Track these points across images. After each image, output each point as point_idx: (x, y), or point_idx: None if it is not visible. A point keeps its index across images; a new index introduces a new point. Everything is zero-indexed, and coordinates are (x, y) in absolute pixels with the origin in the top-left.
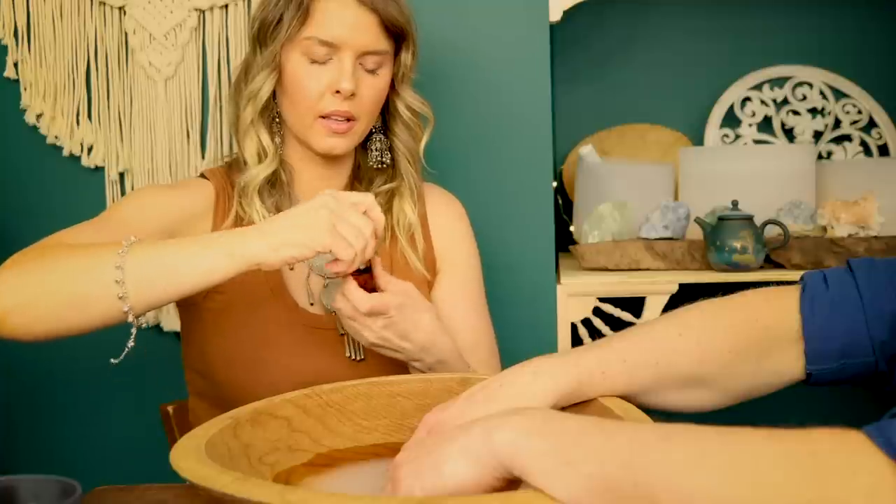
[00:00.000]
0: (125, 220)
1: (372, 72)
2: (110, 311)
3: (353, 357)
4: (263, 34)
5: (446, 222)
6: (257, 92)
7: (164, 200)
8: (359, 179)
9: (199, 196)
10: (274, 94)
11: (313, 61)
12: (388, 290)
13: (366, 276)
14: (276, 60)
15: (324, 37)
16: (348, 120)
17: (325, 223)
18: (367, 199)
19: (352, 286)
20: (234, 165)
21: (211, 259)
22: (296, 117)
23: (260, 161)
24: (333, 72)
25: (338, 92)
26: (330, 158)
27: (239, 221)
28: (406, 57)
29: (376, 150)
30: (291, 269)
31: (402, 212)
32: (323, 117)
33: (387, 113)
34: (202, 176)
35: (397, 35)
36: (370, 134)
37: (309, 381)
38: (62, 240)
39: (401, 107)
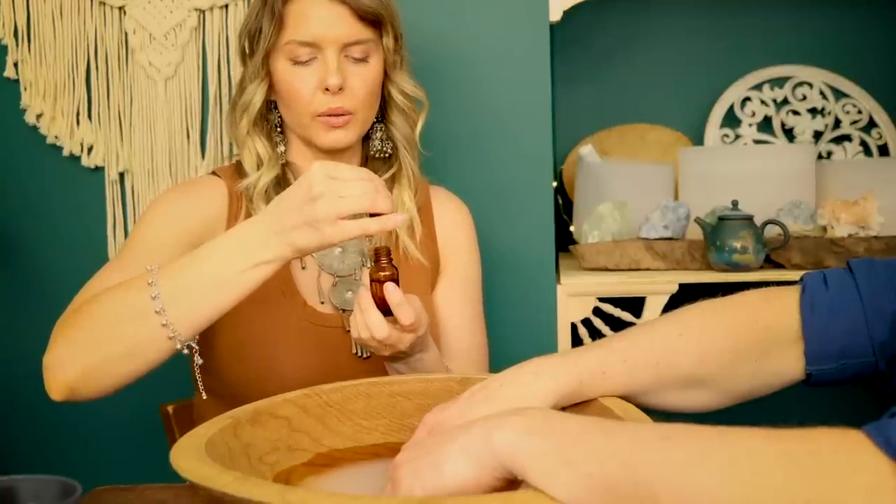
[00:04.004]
0: (148, 251)
1: (360, 62)
2: (165, 350)
3: (360, 355)
4: (249, 47)
5: (453, 227)
6: (249, 102)
7: (180, 215)
8: None
9: (214, 198)
10: (275, 105)
11: (299, 63)
12: (414, 303)
13: (394, 283)
14: (264, 70)
15: (302, 38)
16: (345, 115)
17: (325, 218)
18: (360, 171)
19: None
20: (242, 165)
21: (245, 273)
22: (294, 120)
23: (258, 169)
24: (319, 70)
25: (327, 89)
26: (335, 154)
27: None
28: (388, 41)
29: (377, 139)
30: (303, 267)
31: (401, 201)
32: (320, 116)
33: (383, 101)
34: (214, 173)
35: (374, 22)
36: (372, 124)
37: (316, 379)
38: (93, 291)
39: (395, 92)
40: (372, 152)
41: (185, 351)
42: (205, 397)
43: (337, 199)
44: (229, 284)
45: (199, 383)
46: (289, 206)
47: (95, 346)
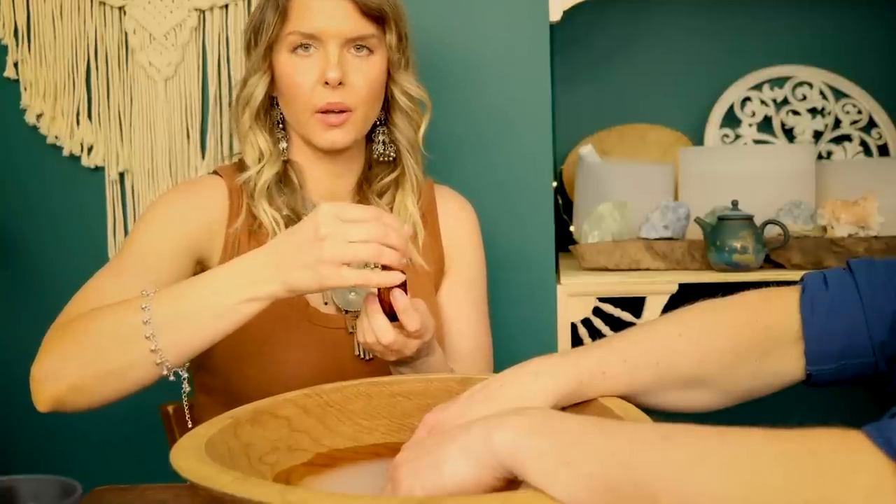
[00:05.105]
0: (143, 258)
1: (363, 58)
2: (152, 374)
3: (363, 356)
4: (253, 40)
5: (458, 226)
6: (251, 95)
7: (179, 218)
8: (367, 177)
9: (214, 198)
10: (277, 101)
11: (300, 57)
12: (420, 308)
13: (400, 289)
14: (267, 62)
15: (304, 30)
16: (344, 112)
17: (327, 263)
18: (371, 212)
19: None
20: (244, 163)
21: (237, 306)
22: (294, 116)
23: (260, 163)
24: (320, 63)
25: (327, 83)
26: (336, 155)
27: (251, 220)
28: (391, 38)
29: (380, 142)
30: None
31: (404, 206)
32: (319, 112)
33: (386, 103)
34: (215, 172)
35: (378, 18)
36: (374, 127)
37: (317, 380)
38: (88, 300)
39: (398, 94)
40: (375, 156)
41: (172, 378)
42: (190, 426)
43: (344, 245)
44: (218, 316)
45: (187, 411)
46: (293, 244)
47: (85, 363)
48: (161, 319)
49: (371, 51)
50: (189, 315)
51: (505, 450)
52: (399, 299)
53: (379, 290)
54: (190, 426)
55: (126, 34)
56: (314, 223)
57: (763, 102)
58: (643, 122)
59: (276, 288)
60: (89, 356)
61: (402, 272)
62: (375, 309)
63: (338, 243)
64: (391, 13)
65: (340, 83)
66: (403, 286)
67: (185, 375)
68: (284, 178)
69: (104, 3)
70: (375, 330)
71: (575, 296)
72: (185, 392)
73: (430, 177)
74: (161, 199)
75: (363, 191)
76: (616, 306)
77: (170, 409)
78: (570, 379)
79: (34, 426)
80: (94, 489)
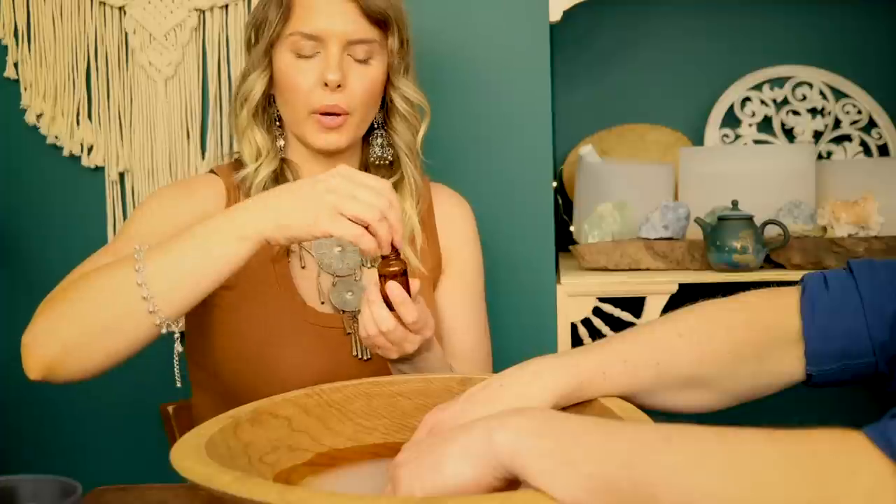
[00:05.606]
0: (140, 240)
1: (363, 62)
2: (146, 327)
3: (360, 356)
4: (255, 37)
5: (454, 223)
6: (250, 92)
7: (174, 211)
8: None
9: (211, 196)
10: (275, 99)
11: (301, 56)
12: (419, 304)
13: (402, 279)
14: (267, 60)
15: (307, 30)
16: (341, 115)
17: (327, 207)
18: (382, 184)
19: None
20: (240, 163)
21: (226, 247)
22: (291, 115)
23: (257, 160)
24: (321, 64)
25: (326, 85)
26: (331, 156)
27: None
28: (393, 43)
29: (378, 146)
30: (303, 267)
31: (403, 211)
32: (316, 114)
33: (385, 107)
34: (212, 171)
35: (380, 22)
36: (372, 130)
37: (315, 380)
38: (81, 272)
39: (397, 99)
40: (372, 159)
41: (164, 330)
42: (179, 384)
43: (349, 198)
44: (207, 258)
45: (177, 371)
46: (291, 189)
47: (75, 319)
48: (152, 267)
49: (371, 56)
50: (179, 260)
51: (506, 450)
52: (395, 291)
53: (381, 281)
54: (179, 384)
55: (126, 34)
56: (324, 176)
57: (763, 102)
58: (643, 122)
59: (266, 225)
60: (80, 312)
61: (405, 263)
62: (376, 297)
63: (343, 196)
64: (394, 17)
65: (339, 85)
66: (405, 274)
67: (178, 336)
68: (280, 177)
69: (104, 3)
70: (376, 318)
71: (575, 296)
72: (177, 353)
73: (426, 175)
74: (159, 192)
75: None
76: (616, 306)
77: (170, 409)
78: (570, 379)
79: (34, 426)
80: (94, 489)
